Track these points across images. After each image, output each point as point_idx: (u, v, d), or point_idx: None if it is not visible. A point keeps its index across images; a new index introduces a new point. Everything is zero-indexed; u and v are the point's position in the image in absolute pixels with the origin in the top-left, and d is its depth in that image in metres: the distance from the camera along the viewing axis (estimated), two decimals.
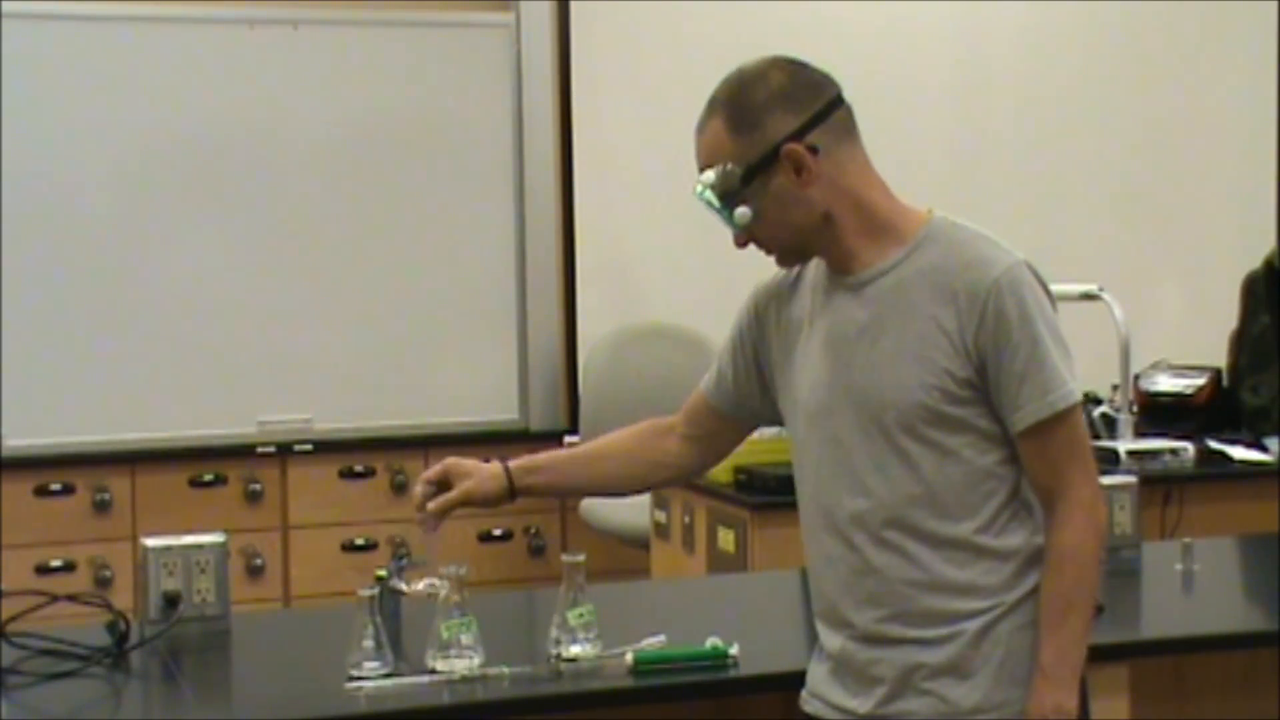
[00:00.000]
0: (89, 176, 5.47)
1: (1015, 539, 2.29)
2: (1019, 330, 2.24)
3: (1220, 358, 5.25)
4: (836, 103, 2.33)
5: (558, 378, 5.96)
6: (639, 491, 2.83)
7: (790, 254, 2.38)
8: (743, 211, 2.30)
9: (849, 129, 2.34)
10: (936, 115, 6.04)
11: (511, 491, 2.60)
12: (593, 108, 5.95)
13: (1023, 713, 2.26)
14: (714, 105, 2.33)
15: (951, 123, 6.10)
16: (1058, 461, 2.26)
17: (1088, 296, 4.68)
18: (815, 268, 2.41)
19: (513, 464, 2.61)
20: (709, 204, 2.32)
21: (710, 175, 2.31)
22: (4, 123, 5.31)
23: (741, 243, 2.35)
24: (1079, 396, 2.28)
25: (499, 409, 5.87)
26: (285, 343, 5.65)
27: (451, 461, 2.60)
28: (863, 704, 2.33)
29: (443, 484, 2.59)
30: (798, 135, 2.28)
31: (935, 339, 2.26)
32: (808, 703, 2.42)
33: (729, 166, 2.30)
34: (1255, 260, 5.27)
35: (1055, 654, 2.25)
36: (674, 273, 6.05)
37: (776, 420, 2.54)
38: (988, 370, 2.25)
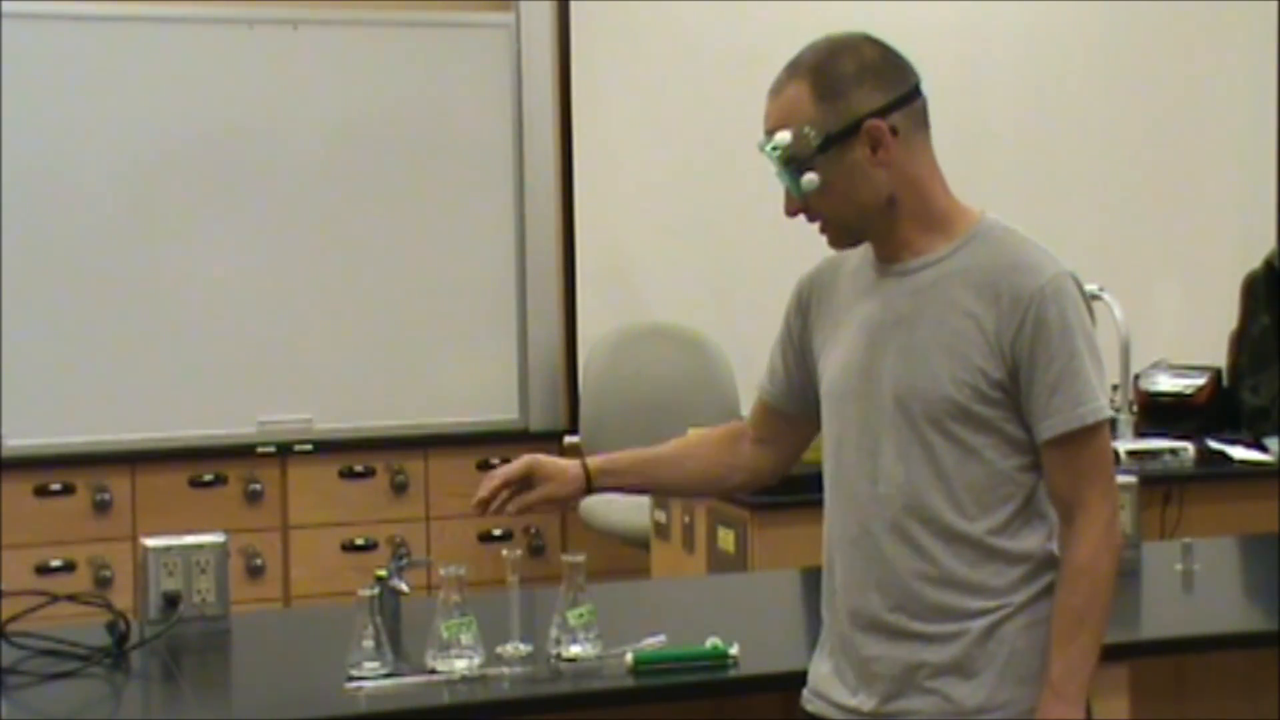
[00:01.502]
0: (89, 176, 5.47)
1: (1028, 543, 2.29)
2: (1058, 340, 2.23)
3: (1220, 358, 5.25)
4: (918, 90, 2.34)
5: (558, 378, 5.96)
6: (716, 494, 2.83)
7: (844, 233, 2.35)
8: (810, 178, 2.28)
9: (925, 120, 2.35)
10: (936, 114, 5.99)
11: (588, 490, 2.57)
12: (593, 108, 5.95)
13: None
14: (797, 69, 2.31)
15: (951, 122, 6.05)
16: (1080, 475, 2.26)
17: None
18: (859, 256, 2.40)
19: (592, 464, 2.57)
20: (779, 165, 2.28)
21: (785, 136, 2.28)
22: (4, 123, 5.30)
23: (793, 211, 2.32)
24: (1109, 413, 2.28)
25: (499, 409, 5.87)
26: (285, 343, 5.65)
27: (534, 460, 2.55)
28: (865, 702, 2.32)
29: (522, 478, 2.54)
30: (882, 113, 2.29)
31: (973, 336, 2.25)
32: (810, 702, 2.42)
33: (807, 131, 2.27)
34: (1255, 260, 5.27)
35: (1065, 670, 2.24)
36: (674, 273, 6.04)
37: None
38: (1020, 376, 2.25)
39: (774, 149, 2.28)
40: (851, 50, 2.31)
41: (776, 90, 2.32)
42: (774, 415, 2.56)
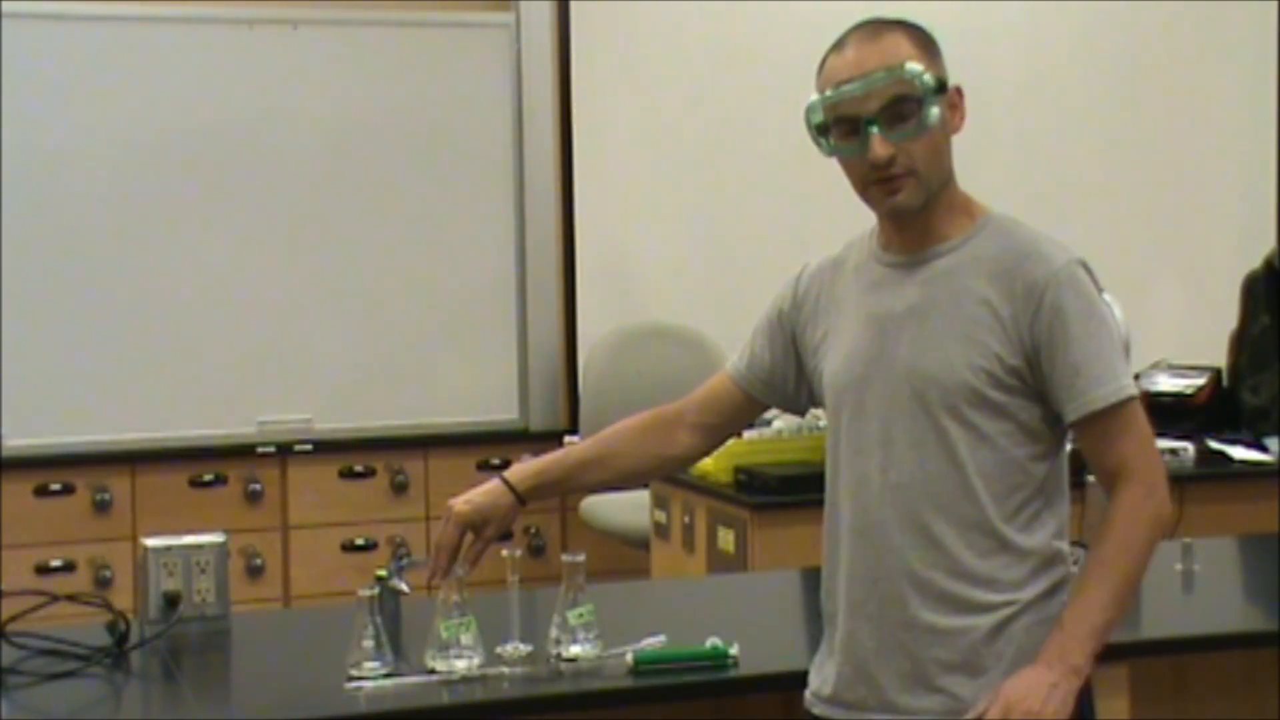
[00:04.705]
0: (89, 176, 5.47)
1: (1036, 538, 2.29)
2: (1075, 323, 2.25)
3: (1220, 358, 5.25)
4: None
5: (558, 378, 5.96)
6: (641, 483, 2.82)
7: (920, 190, 2.27)
8: (935, 112, 2.25)
9: None
10: None
11: (521, 502, 2.57)
12: (593, 108, 5.95)
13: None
14: (888, 24, 2.28)
15: None
16: (1119, 447, 2.26)
17: None
18: (860, 253, 2.40)
19: (517, 479, 2.56)
20: (917, 84, 2.22)
21: (917, 66, 2.23)
22: (4, 123, 5.31)
23: (886, 155, 2.23)
24: (1133, 390, 2.28)
25: (499, 409, 5.88)
26: (285, 343, 5.65)
27: (463, 516, 2.52)
28: (870, 699, 2.32)
29: (462, 536, 2.53)
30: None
31: (988, 323, 2.26)
32: (815, 705, 2.41)
33: (924, 71, 2.24)
34: (1255, 260, 5.28)
35: (1073, 619, 2.22)
36: (674, 273, 6.05)
37: (799, 407, 2.54)
38: (1040, 361, 2.25)
39: (911, 69, 2.23)
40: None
41: (871, 38, 2.27)
42: (737, 399, 2.56)
